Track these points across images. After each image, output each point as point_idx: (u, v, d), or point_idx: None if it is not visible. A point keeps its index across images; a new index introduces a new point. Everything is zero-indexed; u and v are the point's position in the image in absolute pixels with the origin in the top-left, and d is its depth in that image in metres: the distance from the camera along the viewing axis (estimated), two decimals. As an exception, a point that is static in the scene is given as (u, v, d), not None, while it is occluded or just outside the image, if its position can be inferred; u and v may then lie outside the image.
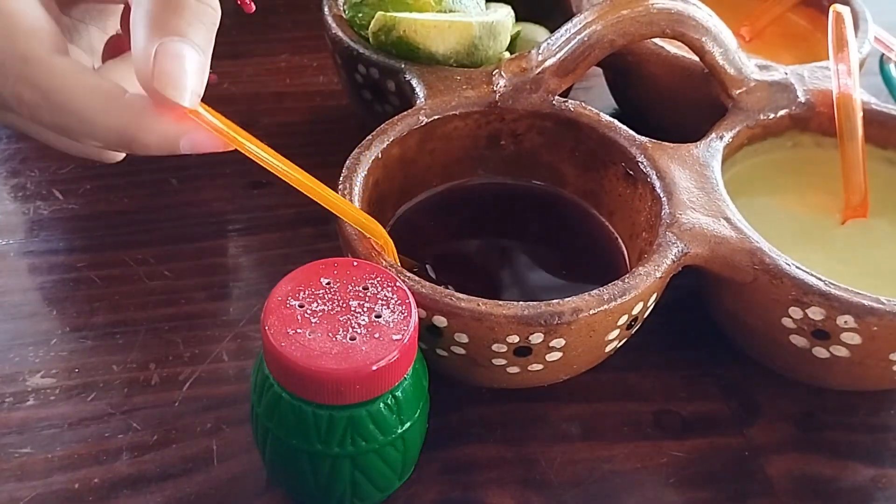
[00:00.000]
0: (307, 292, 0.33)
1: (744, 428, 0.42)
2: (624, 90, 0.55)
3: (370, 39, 0.48)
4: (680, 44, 0.45)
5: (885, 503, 0.40)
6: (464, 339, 0.36)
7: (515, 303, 0.35)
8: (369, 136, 0.42)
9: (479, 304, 0.35)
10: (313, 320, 0.32)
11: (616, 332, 0.38)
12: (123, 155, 0.43)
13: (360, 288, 0.33)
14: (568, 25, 0.45)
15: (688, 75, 0.48)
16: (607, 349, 0.39)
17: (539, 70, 0.45)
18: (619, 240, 0.45)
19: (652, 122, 0.49)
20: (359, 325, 0.32)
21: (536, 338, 0.36)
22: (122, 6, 0.44)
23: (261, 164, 0.36)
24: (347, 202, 0.38)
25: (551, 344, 0.36)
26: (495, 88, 0.45)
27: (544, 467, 0.40)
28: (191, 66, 0.34)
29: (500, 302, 0.35)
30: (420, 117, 0.43)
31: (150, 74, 0.33)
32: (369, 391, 0.32)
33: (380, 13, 0.47)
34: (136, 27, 0.34)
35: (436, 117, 0.44)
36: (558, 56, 0.44)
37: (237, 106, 0.57)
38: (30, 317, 0.44)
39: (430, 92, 0.45)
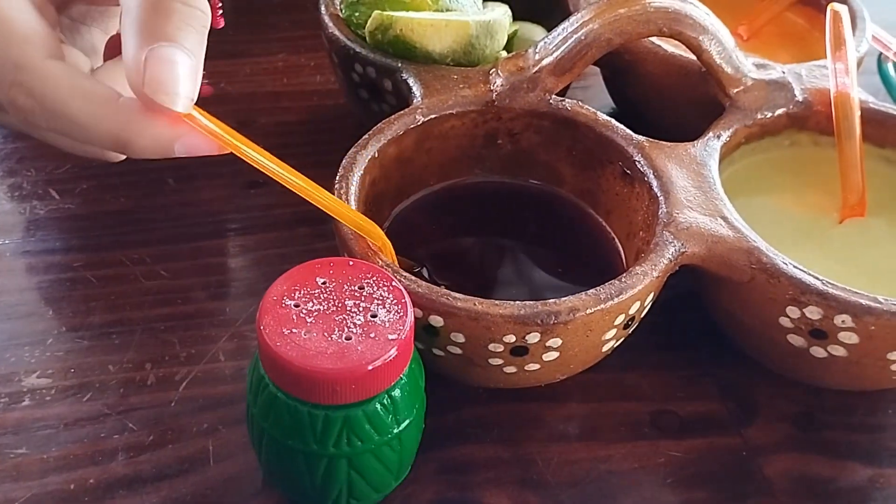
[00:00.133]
0: (303, 292, 0.33)
1: (742, 428, 0.42)
2: (621, 89, 0.55)
3: (367, 38, 0.48)
4: (677, 42, 0.45)
5: (884, 503, 0.40)
6: (460, 338, 0.36)
7: (512, 302, 0.35)
8: (366, 136, 0.42)
9: (475, 304, 0.35)
10: (309, 320, 0.32)
11: (613, 332, 0.37)
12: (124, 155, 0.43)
13: (356, 287, 0.33)
14: (565, 24, 0.45)
15: (685, 74, 0.48)
16: (604, 349, 0.39)
17: (536, 69, 0.45)
18: (616, 239, 0.45)
19: (649, 121, 0.48)
20: (354, 324, 0.32)
21: (533, 337, 0.35)
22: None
23: (256, 166, 0.36)
24: (343, 204, 0.38)
25: (548, 343, 0.36)
26: (492, 87, 0.45)
27: (541, 467, 0.40)
28: (182, 70, 0.34)
29: (497, 301, 0.35)
30: (417, 116, 0.43)
31: (142, 81, 0.33)
32: (365, 391, 0.32)
33: (376, 12, 0.47)
34: (126, 34, 0.34)
35: (432, 116, 0.44)
36: (555, 55, 0.44)
37: (234, 105, 0.57)
38: (26, 317, 0.44)
39: (427, 91, 0.44)
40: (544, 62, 0.44)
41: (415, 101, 0.44)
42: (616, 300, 0.36)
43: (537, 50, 0.45)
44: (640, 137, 0.43)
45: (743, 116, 0.45)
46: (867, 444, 0.42)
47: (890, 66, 0.56)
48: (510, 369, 0.37)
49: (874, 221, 0.44)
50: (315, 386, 0.31)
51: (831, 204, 0.45)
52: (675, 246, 0.38)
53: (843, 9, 0.48)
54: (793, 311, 0.38)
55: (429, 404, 0.36)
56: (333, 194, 0.39)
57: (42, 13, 0.38)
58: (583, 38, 0.44)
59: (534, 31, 0.54)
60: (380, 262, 0.36)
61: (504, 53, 0.49)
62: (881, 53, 0.56)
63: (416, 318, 0.35)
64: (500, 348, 0.36)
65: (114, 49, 0.44)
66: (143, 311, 0.44)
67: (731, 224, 0.39)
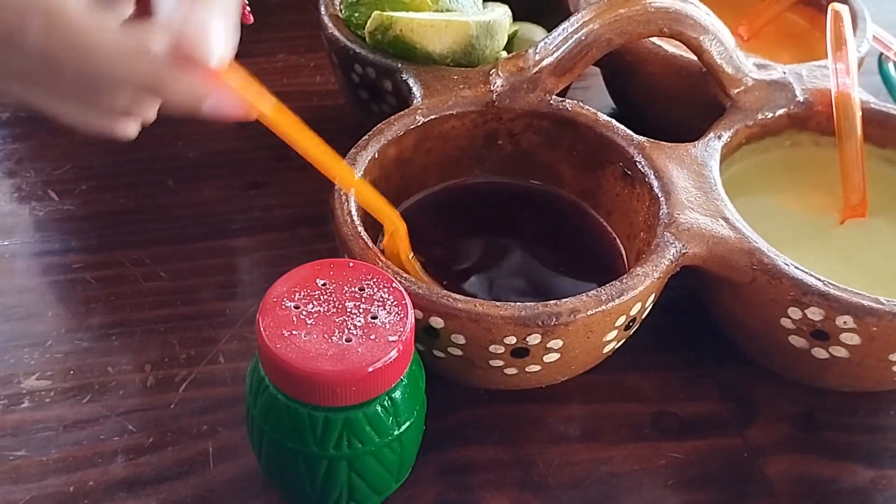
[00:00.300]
0: (303, 293, 0.33)
1: (743, 429, 0.42)
2: (622, 89, 0.55)
3: (367, 39, 0.48)
4: (678, 43, 0.45)
5: (885, 504, 0.40)
6: (461, 340, 0.36)
7: (513, 304, 0.35)
8: (366, 136, 0.42)
9: (476, 305, 0.35)
10: (309, 321, 0.32)
11: (614, 333, 0.37)
12: (137, 130, 0.42)
13: (356, 289, 0.33)
14: (565, 24, 0.45)
15: (686, 74, 0.48)
16: (605, 350, 0.38)
17: (536, 69, 0.44)
18: (617, 240, 0.44)
19: (650, 122, 0.48)
20: (355, 326, 0.32)
21: (534, 339, 0.35)
22: None
23: (283, 138, 0.35)
24: (366, 183, 0.38)
25: (549, 345, 0.36)
26: (492, 88, 0.45)
27: (542, 469, 0.39)
28: (218, 27, 0.34)
29: (498, 303, 0.35)
30: (417, 117, 0.43)
31: (178, 36, 0.33)
32: (365, 393, 0.32)
33: (376, 12, 0.46)
34: None
35: (433, 117, 0.44)
36: (555, 55, 0.44)
37: (234, 106, 0.56)
38: (25, 318, 0.43)
39: (427, 91, 0.44)
40: (544, 62, 0.44)
41: (415, 101, 0.44)
42: (617, 301, 0.36)
43: (537, 50, 0.45)
44: (641, 138, 0.43)
45: (744, 117, 0.45)
46: (868, 445, 0.42)
47: (891, 67, 0.56)
48: (511, 371, 0.37)
49: (875, 222, 0.44)
50: (315, 388, 0.31)
51: (832, 204, 0.45)
52: (676, 247, 0.38)
53: (843, 9, 0.48)
54: (794, 312, 0.37)
55: (429, 406, 0.36)
56: (333, 197, 0.39)
57: None
58: (583, 38, 0.43)
59: (534, 31, 0.54)
60: (380, 263, 0.36)
61: (504, 54, 0.49)
62: (882, 53, 0.56)
63: (416, 319, 0.35)
64: (501, 350, 0.36)
65: (140, 13, 0.44)
66: (143, 312, 0.44)
67: (732, 225, 0.39)
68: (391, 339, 0.32)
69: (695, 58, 0.46)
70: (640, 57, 0.50)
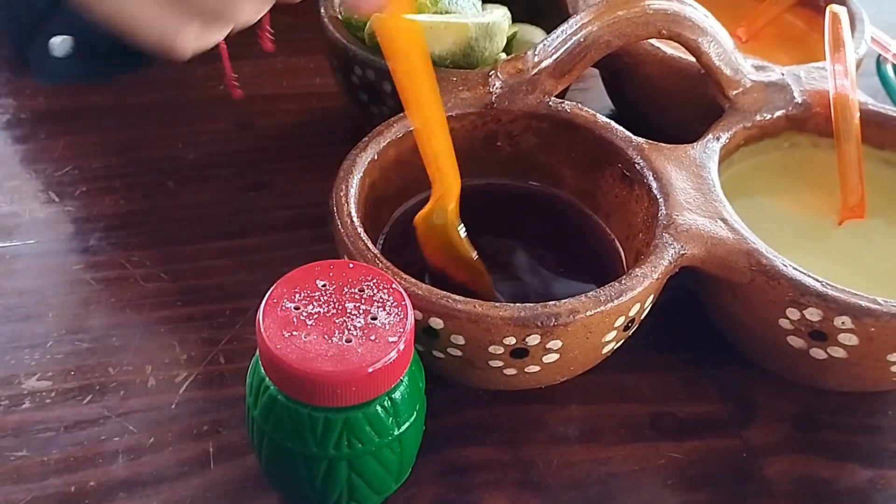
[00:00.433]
0: (303, 294, 0.33)
1: (742, 429, 0.42)
2: (620, 91, 0.55)
3: (366, 41, 0.48)
4: (676, 45, 0.45)
5: (883, 504, 0.40)
6: (460, 340, 0.36)
7: (512, 304, 0.35)
8: (365, 138, 0.42)
9: (475, 306, 0.35)
10: (309, 322, 0.32)
11: (613, 334, 0.37)
12: (191, 53, 0.41)
13: (356, 290, 0.33)
14: (564, 26, 0.45)
15: (684, 76, 0.48)
16: (604, 351, 0.39)
17: (535, 71, 0.45)
18: (616, 241, 0.45)
19: (648, 123, 0.49)
20: (355, 326, 0.32)
21: (533, 339, 0.36)
22: None
23: (387, 45, 0.35)
24: (444, 128, 0.37)
25: (548, 346, 0.36)
26: (491, 90, 0.45)
27: (541, 469, 0.40)
28: None
29: (497, 304, 0.35)
30: (416, 119, 0.43)
31: None
32: (365, 393, 0.32)
33: (376, 14, 0.47)
34: None
35: (432, 119, 0.44)
36: (554, 57, 0.44)
37: (234, 108, 0.56)
38: (26, 319, 0.44)
39: (427, 93, 0.44)
40: (543, 64, 0.44)
41: (414, 103, 0.44)
42: (616, 302, 0.36)
43: (536, 52, 0.45)
44: (640, 139, 0.43)
45: (742, 118, 0.45)
46: (867, 446, 0.42)
47: (889, 68, 0.56)
48: (510, 371, 0.37)
49: (873, 223, 0.44)
50: (315, 388, 0.31)
51: (830, 206, 0.45)
52: (674, 248, 0.38)
53: (841, 10, 0.48)
54: (792, 313, 0.38)
55: (429, 406, 0.36)
56: (332, 199, 0.39)
57: None
58: (582, 40, 0.44)
59: (533, 33, 0.54)
60: (380, 264, 0.36)
61: (503, 55, 0.49)
62: (880, 55, 0.56)
63: (416, 320, 0.35)
64: (501, 350, 0.36)
65: None
66: (143, 313, 0.44)
67: (730, 226, 0.39)
68: (391, 339, 0.32)
69: (693, 59, 0.46)
70: (638, 59, 0.50)
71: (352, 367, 0.31)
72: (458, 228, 0.39)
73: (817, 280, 0.37)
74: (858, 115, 0.45)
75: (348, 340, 0.31)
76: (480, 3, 0.51)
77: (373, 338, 0.32)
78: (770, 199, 0.45)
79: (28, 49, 0.53)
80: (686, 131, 0.45)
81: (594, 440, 0.41)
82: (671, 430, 0.41)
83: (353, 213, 0.39)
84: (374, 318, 0.32)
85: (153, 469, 0.38)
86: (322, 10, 0.50)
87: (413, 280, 0.36)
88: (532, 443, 0.40)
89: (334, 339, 0.31)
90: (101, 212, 0.49)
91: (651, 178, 0.42)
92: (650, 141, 0.43)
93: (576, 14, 0.45)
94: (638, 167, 0.42)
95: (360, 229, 0.38)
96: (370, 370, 0.31)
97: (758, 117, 0.46)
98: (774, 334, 0.39)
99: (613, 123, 0.44)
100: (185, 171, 0.52)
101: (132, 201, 0.50)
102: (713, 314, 0.43)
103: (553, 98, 0.45)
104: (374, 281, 0.34)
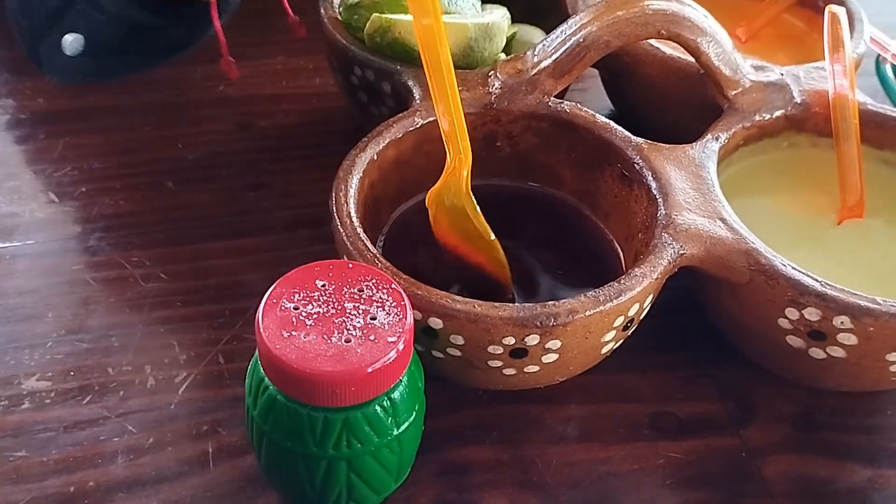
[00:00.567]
0: (302, 294, 0.33)
1: (740, 429, 0.42)
2: (620, 91, 0.55)
3: (366, 41, 0.48)
4: (675, 45, 0.45)
5: (882, 504, 0.40)
6: (459, 340, 0.36)
7: (511, 304, 0.35)
8: (365, 138, 0.42)
9: (474, 306, 0.35)
10: (308, 322, 0.32)
11: (612, 334, 0.37)
12: None
13: (356, 290, 0.33)
14: (563, 27, 0.45)
15: (683, 76, 0.48)
16: (603, 351, 0.39)
17: (535, 71, 0.45)
18: (615, 241, 0.45)
19: (648, 124, 0.49)
20: (354, 327, 0.32)
21: (532, 339, 0.36)
22: None
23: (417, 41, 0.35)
24: (460, 107, 0.37)
25: (547, 345, 0.36)
26: (491, 90, 0.45)
27: (541, 469, 0.40)
28: None
29: (496, 304, 0.35)
30: (416, 119, 0.43)
31: None
32: (365, 393, 0.32)
33: (375, 15, 0.47)
34: None
35: (431, 119, 0.44)
36: (554, 57, 0.44)
37: (233, 108, 0.57)
38: (25, 320, 0.44)
39: (426, 93, 0.44)
40: (543, 64, 0.44)
41: (414, 103, 0.44)
42: (615, 302, 0.36)
43: (536, 52, 0.45)
44: (639, 139, 0.43)
45: (741, 118, 0.45)
46: (866, 445, 0.42)
47: (888, 68, 0.56)
48: (509, 371, 0.37)
49: (872, 223, 0.44)
50: (315, 388, 0.31)
51: (830, 205, 0.45)
52: (673, 248, 0.38)
53: (840, 11, 0.48)
54: (791, 313, 0.38)
55: (428, 406, 0.36)
56: (331, 199, 0.39)
57: None
58: (581, 40, 0.44)
59: (532, 33, 0.54)
60: (379, 265, 0.36)
61: (503, 56, 0.49)
62: (879, 55, 0.56)
63: (415, 320, 0.35)
64: (500, 350, 0.36)
65: None
66: (143, 313, 0.44)
67: (729, 226, 0.40)
68: (390, 339, 0.32)
69: (692, 60, 0.46)
70: (638, 59, 0.50)
71: (351, 367, 0.31)
72: (472, 199, 0.39)
73: (816, 280, 0.37)
74: (857, 114, 0.45)
75: (347, 340, 0.31)
76: (480, 3, 0.51)
77: (372, 338, 0.32)
78: (769, 199, 0.45)
79: (40, 47, 0.53)
80: (685, 131, 0.45)
81: (593, 440, 0.41)
82: (670, 430, 0.41)
83: (353, 214, 0.39)
84: (374, 318, 0.32)
85: (153, 469, 0.38)
86: (322, 11, 0.50)
87: (412, 280, 0.36)
88: (531, 442, 0.41)
89: (333, 339, 0.31)
90: (101, 212, 0.49)
91: (650, 178, 0.42)
92: (649, 141, 0.43)
93: (575, 14, 0.45)
94: (637, 167, 0.42)
95: (359, 229, 0.38)
96: (369, 370, 0.31)
97: (757, 117, 0.46)
98: (773, 334, 0.39)
99: (613, 124, 0.44)
100: (185, 171, 0.52)
101: (132, 201, 0.50)
102: (712, 314, 0.43)
103: (552, 98, 0.45)
104: (374, 281, 0.34)
